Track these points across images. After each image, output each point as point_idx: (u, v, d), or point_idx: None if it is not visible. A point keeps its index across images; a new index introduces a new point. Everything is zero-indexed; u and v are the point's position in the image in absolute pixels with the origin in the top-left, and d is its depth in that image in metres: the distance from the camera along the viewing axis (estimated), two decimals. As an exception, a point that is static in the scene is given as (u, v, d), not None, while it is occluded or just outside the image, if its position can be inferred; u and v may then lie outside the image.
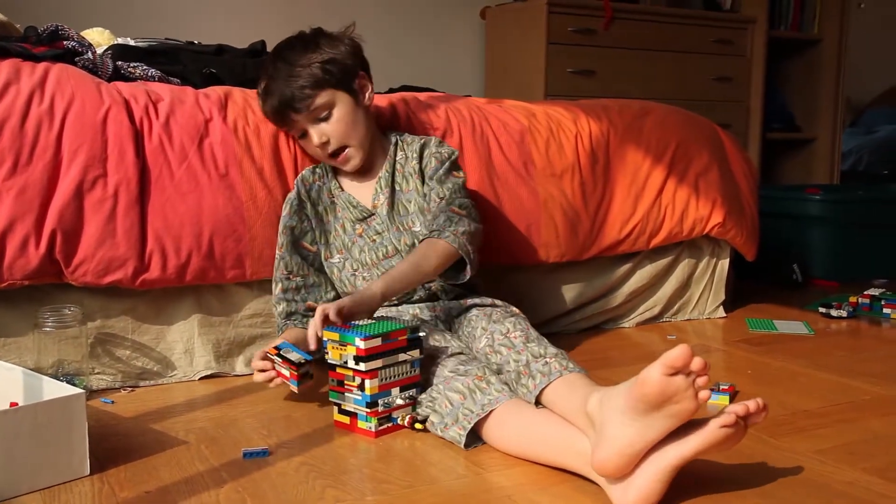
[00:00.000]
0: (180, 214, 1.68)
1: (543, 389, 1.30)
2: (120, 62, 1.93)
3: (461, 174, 1.76)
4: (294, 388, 1.53)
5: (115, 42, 2.14)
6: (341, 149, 1.70)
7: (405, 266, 1.54)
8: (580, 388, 1.25)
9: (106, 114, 1.65)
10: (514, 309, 1.64)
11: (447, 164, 1.74)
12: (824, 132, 4.17)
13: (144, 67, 1.95)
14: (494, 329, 1.50)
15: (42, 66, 1.68)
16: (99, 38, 2.18)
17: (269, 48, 2.23)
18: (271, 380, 1.54)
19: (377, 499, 1.18)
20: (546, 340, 1.45)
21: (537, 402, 1.32)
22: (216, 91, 1.84)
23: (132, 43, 2.11)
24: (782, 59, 4.24)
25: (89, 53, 1.87)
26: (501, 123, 2.09)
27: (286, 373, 1.53)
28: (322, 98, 1.66)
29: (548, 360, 1.35)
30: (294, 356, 1.52)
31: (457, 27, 3.74)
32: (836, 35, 4.12)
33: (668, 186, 2.23)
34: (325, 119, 1.68)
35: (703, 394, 1.06)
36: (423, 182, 1.75)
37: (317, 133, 1.68)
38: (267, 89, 1.69)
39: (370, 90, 1.77)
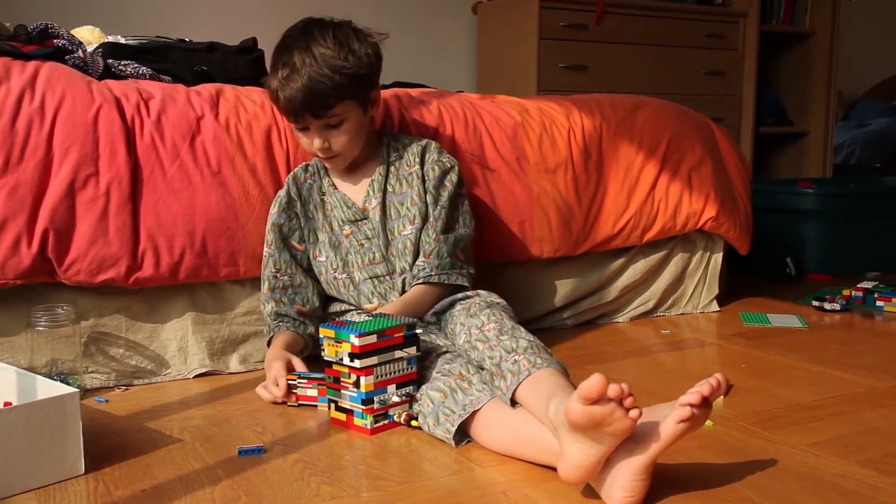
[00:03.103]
0: (173, 212, 1.67)
1: (515, 390, 1.30)
2: (111, 60, 1.93)
3: (464, 191, 1.81)
4: (325, 406, 1.52)
5: (106, 40, 2.13)
6: (335, 154, 1.70)
7: (401, 307, 1.62)
8: (543, 391, 1.25)
9: (97, 112, 1.64)
10: (494, 298, 1.64)
11: (455, 180, 1.77)
12: (817, 126, 4.18)
13: (135, 65, 1.94)
14: (471, 324, 1.49)
15: (32, 64, 1.67)
16: (89, 36, 2.17)
17: (261, 45, 2.23)
18: (276, 402, 1.57)
19: (372, 495, 1.18)
20: (520, 331, 1.43)
21: (514, 402, 1.31)
22: (208, 88, 1.83)
23: (123, 41, 2.10)
24: (774, 53, 4.25)
25: (79, 52, 1.86)
26: (494, 119, 2.09)
27: (314, 392, 1.54)
28: (340, 108, 1.64)
29: (517, 357, 1.33)
30: (317, 376, 1.53)
31: (448, 23, 3.73)
32: (828, 28, 4.12)
33: (661, 181, 2.23)
34: (335, 126, 1.66)
35: (634, 413, 1.07)
36: (424, 186, 1.75)
37: (321, 137, 1.66)
38: (290, 79, 1.60)
39: (379, 101, 1.78)
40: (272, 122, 1.82)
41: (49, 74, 1.66)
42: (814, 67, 4.17)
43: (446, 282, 1.68)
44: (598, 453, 1.10)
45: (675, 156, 2.26)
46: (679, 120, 2.32)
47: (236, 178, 1.74)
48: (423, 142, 1.81)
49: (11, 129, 1.56)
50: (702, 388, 1.11)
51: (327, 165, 1.75)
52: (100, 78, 1.85)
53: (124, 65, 1.93)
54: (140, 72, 1.93)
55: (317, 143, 1.67)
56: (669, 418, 1.10)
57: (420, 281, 1.68)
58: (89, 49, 1.97)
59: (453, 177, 1.78)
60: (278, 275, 1.72)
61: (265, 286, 1.73)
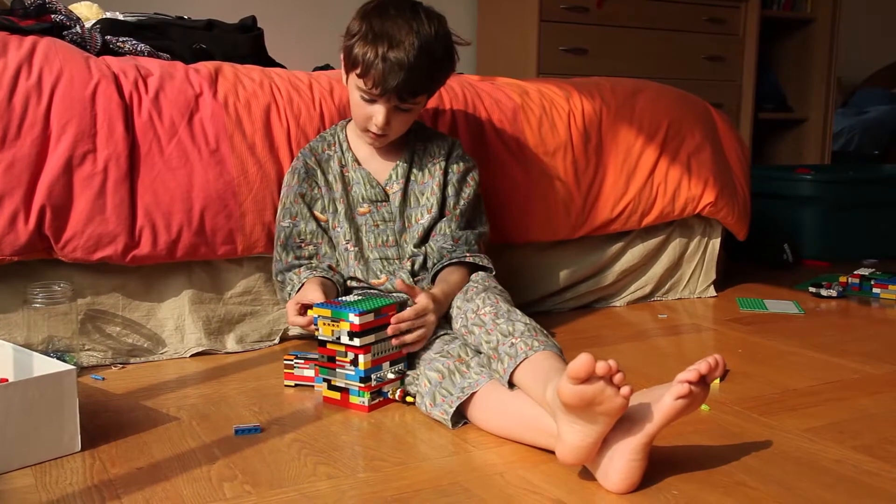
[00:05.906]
0: (171, 190, 1.67)
1: (513, 373, 1.30)
2: (109, 36, 1.91)
3: (481, 191, 1.83)
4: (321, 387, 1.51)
5: (104, 16, 2.12)
6: (387, 133, 1.67)
7: (452, 287, 1.61)
8: (540, 374, 1.25)
9: (95, 88, 1.63)
10: (490, 282, 1.63)
11: (477, 179, 1.80)
12: (816, 112, 4.17)
13: (134, 42, 1.93)
14: (467, 308, 1.50)
15: (30, 39, 1.66)
16: (87, 12, 2.16)
17: (260, 24, 2.22)
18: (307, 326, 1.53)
19: (369, 475, 1.18)
20: (516, 314, 1.43)
21: (512, 384, 1.31)
22: (206, 66, 1.82)
23: (121, 17, 2.09)
24: (775, 39, 4.23)
25: (77, 27, 1.85)
26: (494, 101, 2.08)
27: (311, 373, 1.53)
28: (422, 98, 1.66)
29: (514, 340, 1.33)
30: (314, 356, 1.53)
31: (449, 4, 3.70)
32: (829, 15, 4.11)
33: (661, 165, 2.23)
34: (405, 111, 1.64)
35: (625, 390, 1.07)
36: (445, 179, 1.75)
37: (387, 116, 1.62)
38: (394, 56, 1.54)
39: None
40: (271, 101, 1.80)
41: (47, 50, 1.64)
42: (814, 54, 4.16)
43: (479, 263, 1.68)
44: (593, 434, 1.11)
45: (674, 140, 2.25)
46: (679, 105, 2.32)
47: (234, 156, 1.73)
48: (450, 139, 1.81)
49: (8, 104, 1.55)
50: (699, 366, 1.11)
51: (370, 139, 1.69)
52: (98, 54, 1.83)
53: (122, 41, 1.91)
54: (138, 49, 1.91)
55: (380, 119, 1.62)
56: (667, 395, 1.11)
57: (454, 261, 1.67)
58: (87, 25, 1.96)
59: (476, 176, 1.79)
60: (303, 244, 1.69)
61: (289, 256, 1.68)
